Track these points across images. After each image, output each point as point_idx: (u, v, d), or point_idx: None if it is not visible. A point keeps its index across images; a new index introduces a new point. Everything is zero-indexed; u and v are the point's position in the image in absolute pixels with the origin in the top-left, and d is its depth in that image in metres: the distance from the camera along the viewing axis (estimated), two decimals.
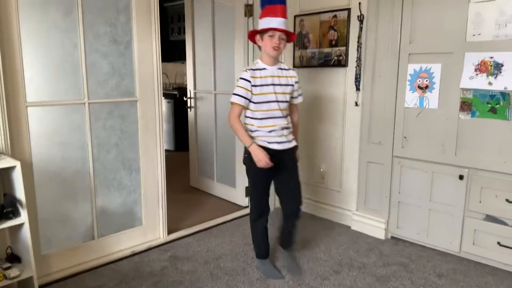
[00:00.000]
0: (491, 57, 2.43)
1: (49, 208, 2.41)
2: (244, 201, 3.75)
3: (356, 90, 3.08)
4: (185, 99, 4.28)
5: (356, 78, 3.05)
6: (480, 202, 2.59)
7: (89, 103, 2.48)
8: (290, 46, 3.47)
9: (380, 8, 2.88)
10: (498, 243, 2.54)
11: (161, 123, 2.83)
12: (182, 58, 5.33)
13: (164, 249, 2.86)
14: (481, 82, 2.48)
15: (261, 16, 2.23)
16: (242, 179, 3.72)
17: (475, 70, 2.50)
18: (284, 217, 2.47)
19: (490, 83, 2.45)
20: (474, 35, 2.49)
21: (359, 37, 3.00)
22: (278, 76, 2.29)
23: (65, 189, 2.46)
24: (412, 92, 2.79)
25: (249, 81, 2.22)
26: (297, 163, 2.45)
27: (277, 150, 2.29)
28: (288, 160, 2.37)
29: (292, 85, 2.34)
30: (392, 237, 3.07)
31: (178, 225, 3.24)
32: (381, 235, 3.07)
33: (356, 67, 3.04)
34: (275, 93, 2.26)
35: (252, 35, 2.32)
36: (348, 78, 3.15)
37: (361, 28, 2.98)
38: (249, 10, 3.44)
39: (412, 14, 2.73)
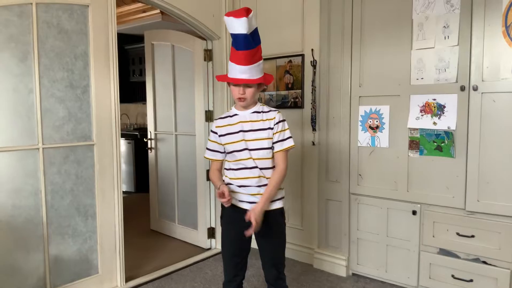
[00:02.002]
0: (434, 99, 2.61)
1: None
2: (206, 243, 3.69)
3: (313, 131, 3.19)
4: (145, 140, 4.26)
5: (312, 119, 3.17)
6: (433, 236, 2.69)
7: (43, 148, 2.43)
8: None
9: (331, 54, 3.06)
10: (452, 276, 2.62)
11: (118, 167, 2.79)
12: (143, 99, 5.33)
13: None
14: (427, 122, 2.65)
15: (229, 59, 1.99)
16: (204, 221, 3.69)
17: (421, 111, 2.67)
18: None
19: (434, 123, 2.62)
20: (417, 79, 2.68)
21: (313, 80, 3.15)
22: (251, 121, 1.98)
23: (15, 238, 2.35)
24: (364, 132, 2.93)
25: (216, 132, 2.04)
26: (278, 229, 2.07)
27: (247, 210, 1.96)
28: (263, 225, 1.97)
29: (271, 128, 1.96)
30: (353, 274, 3.11)
31: (137, 271, 3.13)
32: (342, 272, 3.10)
33: (311, 108, 3.17)
34: (244, 140, 1.97)
35: (223, 80, 2.08)
36: (304, 119, 3.27)
37: (314, 73, 3.14)
38: (208, 55, 3.55)
39: (360, 60, 2.92)
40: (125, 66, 6.76)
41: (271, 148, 1.98)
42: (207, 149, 2.10)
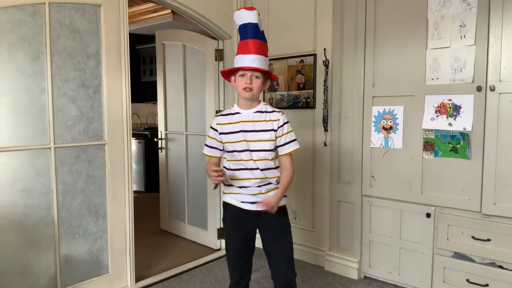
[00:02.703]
0: (450, 100, 2.56)
1: (8, 259, 2.29)
2: (216, 243, 3.68)
3: (324, 131, 3.16)
4: (156, 140, 4.26)
5: (324, 119, 3.13)
6: (447, 239, 2.64)
7: (55, 148, 2.43)
8: None
9: (343, 53, 3.02)
10: (467, 280, 2.57)
11: (130, 166, 2.79)
12: (154, 98, 5.35)
13: None
14: (442, 123, 2.60)
15: (236, 54, 1.95)
16: (213, 221, 3.67)
17: (436, 111, 2.62)
18: None
19: (450, 124, 2.57)
20: (432, 79, 2.63)
21: (325, 80, 3.11)
22: (254, 121, 1.92)
23: (26, 238, 2.35)
24: (378, 133, 2.88)
25: (216, 129, 1.98)
26: (284, 227, 2.03)
27: (250, 211, 1.95)
28: (269, 224, 1.97)
29: (275, 130, 1.91)
30: (365, 277, 3.06)
31: (147, 271, 3.12)
32: (354, 275, 3.06)
33: (323, 109, 3.13)
34: (245, 140, 1.91)
35: (227, 76, 2.02)
36: (316, 119, 3.24)
37: (326, 72, 3.10)
38: (219, 55, 3.54)
39: (374, 59, 2.88)
40: (136, 66, 6.79)
41: (273, 150, 1.93)
42: (206, 145, 2.04)
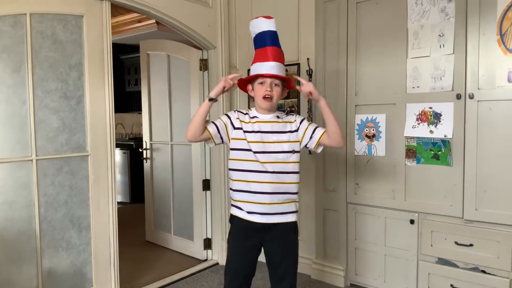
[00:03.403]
0: (430, 108, 2.61)
1: None
2: (202, 254, 3.65)
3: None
4: (140, 150, 4.23)
5: None
6: (431, 245, 2.67)
7: (37, 160, 2.39)
8: (245, 96, 3.57)
9: (326, 63, 3.06)
10: (451, 285, 2.60)
11: (113, 177, 2.76)
12: (138, 108, 5.31)
13: None
14: (423, 131, 2.64)
15: (252, 62, 1.91)
16: (200, 231, 3.65)
17: (417, 119, 2.66)
18: None
19: (431, 132, 2.61)
20: (413, 87, 2.68)
21: None
22: (271, 122, 1.88)
23: (7, 251, 2.30)
24: (361, 141, 2.92)
25: (232, 123, 1.90)
26: (293, 243, 1.92)
27: (258, 224, 1.84)
28: (277, 238, 1.87)
29: (295, 130, 1.89)
30: (352, 284, 3.07)
31: (132, 284, 3.08)
32: (340, 283, 3.07)
33: (308, 117, 3.16)
34: (262, 142, 1.85)
35: (243, 85, 1.96)
36: None
37: (310, 81, 3.13)
38: (204, 65, 3.54)
39: (356, 69, 2.92)
40: (121, 76, 6.75)
41: (292, 152, 1.88)
42: (212, 122, 1.91)
